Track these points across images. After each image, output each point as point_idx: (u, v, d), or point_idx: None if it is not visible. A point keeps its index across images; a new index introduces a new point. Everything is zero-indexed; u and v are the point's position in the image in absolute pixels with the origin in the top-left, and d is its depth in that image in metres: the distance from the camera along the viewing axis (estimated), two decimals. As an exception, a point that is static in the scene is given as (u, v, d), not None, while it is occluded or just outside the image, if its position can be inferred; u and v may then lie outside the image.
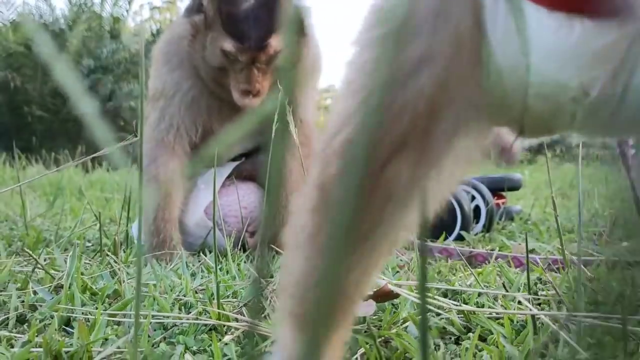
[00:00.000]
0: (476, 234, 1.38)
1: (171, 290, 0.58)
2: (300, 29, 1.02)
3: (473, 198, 1.48)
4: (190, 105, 1.02)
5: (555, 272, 0.72)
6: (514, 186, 1.79)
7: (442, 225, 1.31)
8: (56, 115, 8.99)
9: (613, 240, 1.24)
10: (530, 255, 0.95)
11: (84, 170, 4.76)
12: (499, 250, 1.07)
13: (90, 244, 1.09)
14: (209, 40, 0.97)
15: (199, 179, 1.06)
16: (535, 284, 0.68)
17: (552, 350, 0.39)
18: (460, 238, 1.32)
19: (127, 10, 11.58)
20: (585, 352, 0.37)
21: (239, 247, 1.00)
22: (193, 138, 1.04)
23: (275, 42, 0.96)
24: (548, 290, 0.62)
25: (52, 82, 9.08)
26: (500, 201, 1.75)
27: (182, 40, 1.02)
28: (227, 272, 0.75)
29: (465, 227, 1.31)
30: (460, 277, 0.72)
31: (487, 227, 1.45)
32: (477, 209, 1.46)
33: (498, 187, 1.75)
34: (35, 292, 0.58)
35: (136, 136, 1.09)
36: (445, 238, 1.29)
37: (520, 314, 0.48)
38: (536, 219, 1.72)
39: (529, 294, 0.56)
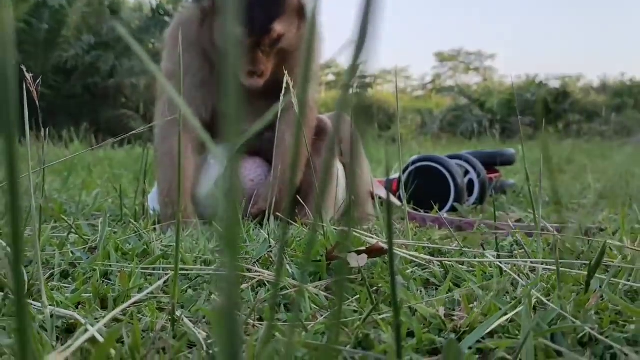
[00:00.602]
0: (469, 207, 1.47)
1: (191, 251, 0.67)
2: (301, 13, 1.09)
3: (467, 172, 1.56)
4: (200, 86, 1.10)
5: (531, 237, 0.80)
6: (508, 161, 1.87)
7: (437, 197, 1.40)
8: (58, 92, 9.03)
9: (594, 211, 1.32)
10: (515, 224, 1.04)
11: (90, 146, 4.85)
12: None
13: (109, 215, 1.17)
14: (216, 24, 1.04)
15: (209, 154, 1.14)
16: (511, 245, 0.77)
17: (510, 292, 0.48)
18: (453, 210, 1.40)
19: (126, -17, 11.54)
20: (538, 292, 0.46)
21: (247, 216, 1.09)
22: (203, 115, 1.11)
23: (279, 27, 1.03)
24: (520, 250, 0.70)
25: (53, 58, 9.09)
26: (493, 175, 1.83)
27: (191, 25, 1.09)
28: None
29: (458, 199, 1.39)
30: (446, 241, 0.81)
31: (480, 200, 1.53)
32: (470, 183, 1.54)
33: (492, 162, 1.83)
34: (72, 253, 0.67)
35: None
36: (440, 209, 1.38)
37: (488, 262, 0.57)
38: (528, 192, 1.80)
39: (496, 251, 0.65)
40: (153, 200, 1.15)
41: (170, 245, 0.68)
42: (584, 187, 2.05)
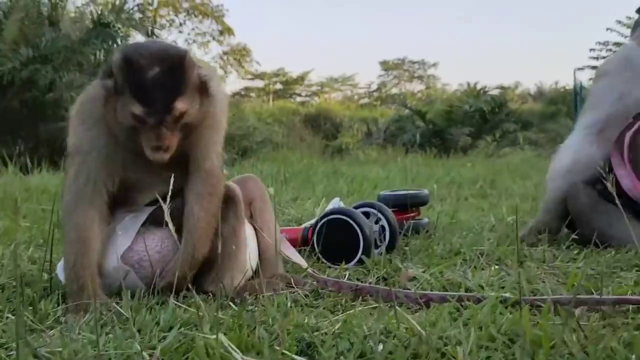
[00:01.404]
0: (377, 257, 1.54)
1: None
2: (203, 89, 1.14)
3: (378, 220, 1.64)
4: (105, 160, 1.13)
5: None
6: (422, 202, 1.97)
7: (347, 249, 1.47)
8: (-11, 109, 8.69)
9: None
10: (404, 291, 1.12)
11: (23, 172, 4.70)
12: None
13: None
14: (119, 104, 1.08)
15: (117, 225, 1.17)
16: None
17: None
18: (363, 260, 1.47)
19: (67, -5, 11.22)
20: None
21: (156, 289, 1.12)
22: (110, 189, 1.15)
23: (181, 105, 1.07)
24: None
25: (-17, 74, 8.73)
26: (409, 216, 1.92)
27: (96, 102, 1.12)
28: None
29: (366, 251, 1.47)
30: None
31: (391, 246, 1.61)
32: (382, 230, 1.63)
33: (406, 204, 1.92)
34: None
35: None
36: (350, 261, 1.45)
37: None
38: (441, 231, 1.90)
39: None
40: (61, 270, 1.16)
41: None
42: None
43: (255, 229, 1.31)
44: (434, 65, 21.24)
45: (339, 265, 1.43)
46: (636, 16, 1.72)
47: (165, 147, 1.10)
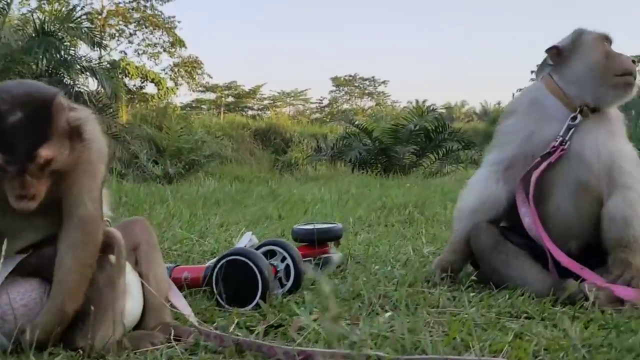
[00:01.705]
0: (284, 294, 1.51)
1: None
2: (75, 134, 1.08)
3: (284, 258, 1.61)
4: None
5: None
6: (335, 236, 1.95)
7: (245, 291, 1.43)
8: None
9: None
10: (283, 347, 1.08)
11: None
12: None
13: None
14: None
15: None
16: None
17: None
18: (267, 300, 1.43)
19: (9, 1, 10.81)
20: None
21: (20, 345, 1.05)
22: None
23: (46, 151, 1.01)
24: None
25: None
26: (322, 250, 1.90)
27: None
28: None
29: (265, 294, 1.43)
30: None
31: (296, 286, 1.58)
32: (287, 269, 1.59)
33: (319, 239, 1.89)
34: None
35: None
36: (248, 304, 1.41)
37: None
38: (353, 266, 1.88)
39: None
40: None
41: None
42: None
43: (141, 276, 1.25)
44: (384, 82, 21.60)
45: (231, 309, 1.39)
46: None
47: (31, 195, 1.03)
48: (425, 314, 1.30)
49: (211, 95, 21.42)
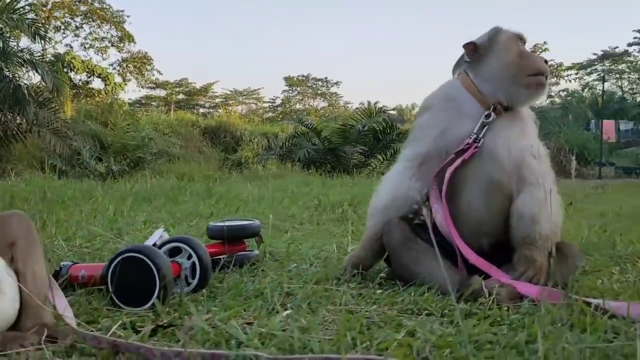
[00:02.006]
0: (187, 293, 1.44)
1: None
2: None
3: (190, 256, 1.54)
4: None
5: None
6: (252, 233, 1.89)
7: (142, 291, 1.35)
8: None
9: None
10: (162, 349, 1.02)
11: None
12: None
13: None
14: None
15: None
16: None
17: None
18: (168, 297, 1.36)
19: None
20: None
21: None
22: None
23: None
24: None
25: None
26: (238, 248, 1.84)
27: None
28: None
29: (163, 293, 1.35)
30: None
31: (202, 284, 1.52)
32: (193, 266, 1.53)
33: (236, 235, 1.83)
34: None
35: None
36: (145, 304, 1.33)
37: None
38: (267, 264, 1.83)
39: None
40: None
41: None
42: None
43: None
44: (337, 83, 21.64)
45: (125, 309, 1.31)
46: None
47: None
48: (325, 312, 1.26)
49: (161, 92, 20.96)
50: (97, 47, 19.28)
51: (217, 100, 21.09)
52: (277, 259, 1.96)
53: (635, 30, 21.61)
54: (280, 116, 18.84)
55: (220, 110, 20.17)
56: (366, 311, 1.26)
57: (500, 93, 1.59)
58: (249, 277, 1.63)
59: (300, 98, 21.59)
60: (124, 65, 20.03)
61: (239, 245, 1.84)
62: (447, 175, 1.55)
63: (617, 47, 22.01)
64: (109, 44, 19.45)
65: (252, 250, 1.91)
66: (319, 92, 21.50)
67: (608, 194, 4.19)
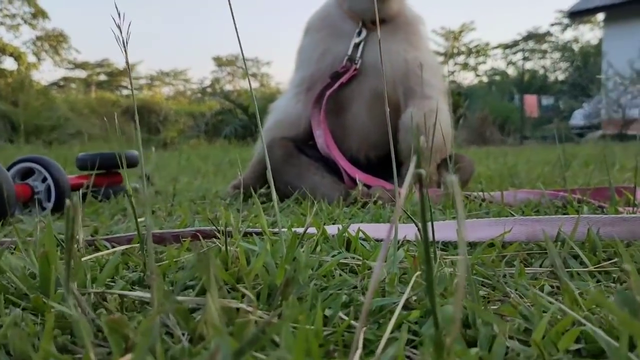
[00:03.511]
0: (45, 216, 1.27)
1: None
2: None
3: (45, 179, 1.36)
4: None
5: None
6: (130, 163, 1.72)
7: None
8: None
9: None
10: None
11: None
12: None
13: None
14: None
15: None
16: None
17: None
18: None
19: None
20: None
21: None
22: None
23: None
24: None
25: None
26: (112, 180, 1.67)
27: None
28: None
29: (3, 211, 1.17)
30: None
31: (58, 207, 1.35)
32: (48, 189, 1.35)
33: (109, 165, 1.66)
34: None
35: None
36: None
37: None
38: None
39: None
40: None
41: None
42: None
43: None
44: (268, 63, 21.34)
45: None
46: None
47: None
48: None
49: (82, 74, 19.93)
50: (8, 24, 18.04)
51: (142, 81, 20.33)
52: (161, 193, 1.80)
53: (556, 11, 22.56)
54: (209, 97, 18.36)
55: (146, 92, 19.46)
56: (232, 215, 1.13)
57: (356, 5, 1.49)
58: (117, 203, 1.47)
59: (230, 79, 21.15)
60: (39, 44, 18.87)
61: (111, 177, 1.67)
62: (325, 98, 1.46)
63: (540, 27, 22.93)
64: (22, 21, 18.25)
65: (131, 184, 1.74)
66: (250, 72, 21.16)
67: (525, 152, 4.28)
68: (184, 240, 0.69)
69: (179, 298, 0.37)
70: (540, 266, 0.59)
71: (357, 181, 1.31)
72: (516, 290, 0.49)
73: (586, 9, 11.47)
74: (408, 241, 0.66)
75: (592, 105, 10.90)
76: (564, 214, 0.91)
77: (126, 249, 0.64)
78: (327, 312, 0.40)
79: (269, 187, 1.55)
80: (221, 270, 0.47)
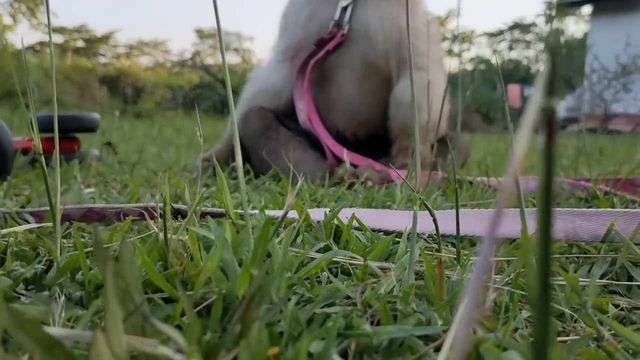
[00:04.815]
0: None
1: None
2: None
3: (-15, 139, 1.18)
4: None
5: None
6: (88, 127, 1.54)
7: None
8: None
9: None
10: None
11: None
12: None
13: None
14: None
15: None
16: None
17: None
18: None
19: None
20: None
21: None
22: None
23: None
24: None
25: None
26: (71, 144, 1.49)
27: None
28: None
29: None
30: None
31: (3, 172, 1.17)
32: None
33: (68, 128, 1.49)
34: None
35: None
36: None
37: None
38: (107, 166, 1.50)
39: None
40: None
41: None
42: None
43: None
44: (250, 39, 20.89)
45: None
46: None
47: None
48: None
49: (58, 38, 19.22)
50: (-18, -17, 17.28)
51: (121, 50, 19.71)
52: (126, 162, 1.63)
53: (544, 1, 22.48)
54: (189, 69, 17.88)
55: (125, 61, 18.90)
56: (194, 192, 0.98)
57: None
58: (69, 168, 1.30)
59: (212, 52, 20.64)
60: (15, 6, 18.15)
61: (68, 142, 1.49)
62: (309, 68, 1.30)
63: (526, 18, 22.87)
64: (-3, -19, 17.49)
65: (90, 151, 1.56)
66: (232, 47, 20.66)
67: (509, 139, 4.17)
68: (126, 220, 0.53)
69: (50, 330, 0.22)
70: (589, 273, 0.45)
71: (345, 159, 1.16)
72: (574, 310, 0.34)
73: (574, 1, 11.40)
74: (419, 235, 0.51)
75: (574, 97, 10.88)
76: (589, 206, 0.77)
77: (39, 228, 0.49)
78: (314, 348, 0.25)
79: (243, 161, 1.39)
80: (151, 269, 0.31)
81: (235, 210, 0.52)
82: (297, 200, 0.72)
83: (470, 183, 0.99)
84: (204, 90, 10.29)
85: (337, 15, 1.30)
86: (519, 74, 18.67)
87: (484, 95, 12.23)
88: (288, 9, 1.42)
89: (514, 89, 14.70)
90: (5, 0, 18.21)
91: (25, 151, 1.36)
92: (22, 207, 0.76)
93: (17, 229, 0.49)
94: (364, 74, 1.31)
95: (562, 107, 11.33)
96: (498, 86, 15.32)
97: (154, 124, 4.94)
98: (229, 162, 1.35)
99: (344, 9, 1.31)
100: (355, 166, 1.20)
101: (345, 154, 1.23)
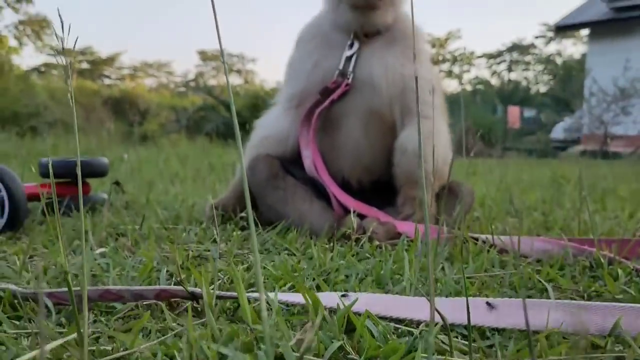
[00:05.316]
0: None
1: None
2: None
3: (-1, 189, 1.21)
4: None
5: None
6: (99, 172, 1.57)
7: None
8: None
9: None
10: None
11: None
12: None
13: None
14: None
15: None
16: None
17: None
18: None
19: None
20: None
21: None
22: None
23: None
24: None
25: None
26: (77, 189, 1.51)
27: None
28: None
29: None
30: None
31: (11, 224, 1.19)
32: (1, 201, 1.20)
33: (71, 174, 1.51)
34: None
35: None
36: None
37: None
38: (113, 211, 1.52)
39: None
40: None
41: None
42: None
43: None
44: (253, 60, 21.09)
45: None
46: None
47: None
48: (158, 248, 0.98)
49: (63, 61, 19.43)
50: (-11, 7, 17.53)
51: (125, 71, 19.90)
52: (132, 206, 1.65)
53: (541, 24, 22.70)
54: (192, 91, 18.02)
55: (127, 83, 19.07)
56: (206, 249, 1.00)
57: (340, 18, 1.36)
58: (79, 217, 1.32)
59: (215, 74, 20.83)
60: (21, 28, 18.38)
61: (85, 185, 1.52)
62: (315, 117, 1.32)
63: (525, 39, 23.08)
64: (4, 4, 17.75)
65: (99, 195, 1.59)
66: (235, 68, 20.86)
67: (510, 167, 4.20)
68: (144, 316, 0.55)
69: None
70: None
71: (351, 212, 1.18)
72: None
73: (572, 24, 11.51)
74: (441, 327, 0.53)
75: (574, 119, 10.93)
76: (594, 276, 0.79)
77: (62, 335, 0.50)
78: None
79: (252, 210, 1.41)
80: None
81: (247, 294, 0.54)
82: (306, 278, 0.74)
83: (475, 241, 1.01)
84: (208, 112, 10.37)
85: (341, 65, 1.33)
86: (518, 95, 18.76)
87: (484, 117, 12.29)
88: (293, 58, 1.45)
89: (513, 111, 14.78)
90: (11, 23, 18.45)
91: (31, 198, 1.36)
92: (37, 278, 0.78)
93: (47, 346, 0.49)
94: (368, 122, 1.34)
95: (562, 128, 11.38)
96: (498, 108, 15.41)
97: (159, 152, 4.98)
98: (237, 210, 1.37)
99: (348, 58, 1.35)
100: (360, 216, 1.22)
101: (352, 205, 1.25)
